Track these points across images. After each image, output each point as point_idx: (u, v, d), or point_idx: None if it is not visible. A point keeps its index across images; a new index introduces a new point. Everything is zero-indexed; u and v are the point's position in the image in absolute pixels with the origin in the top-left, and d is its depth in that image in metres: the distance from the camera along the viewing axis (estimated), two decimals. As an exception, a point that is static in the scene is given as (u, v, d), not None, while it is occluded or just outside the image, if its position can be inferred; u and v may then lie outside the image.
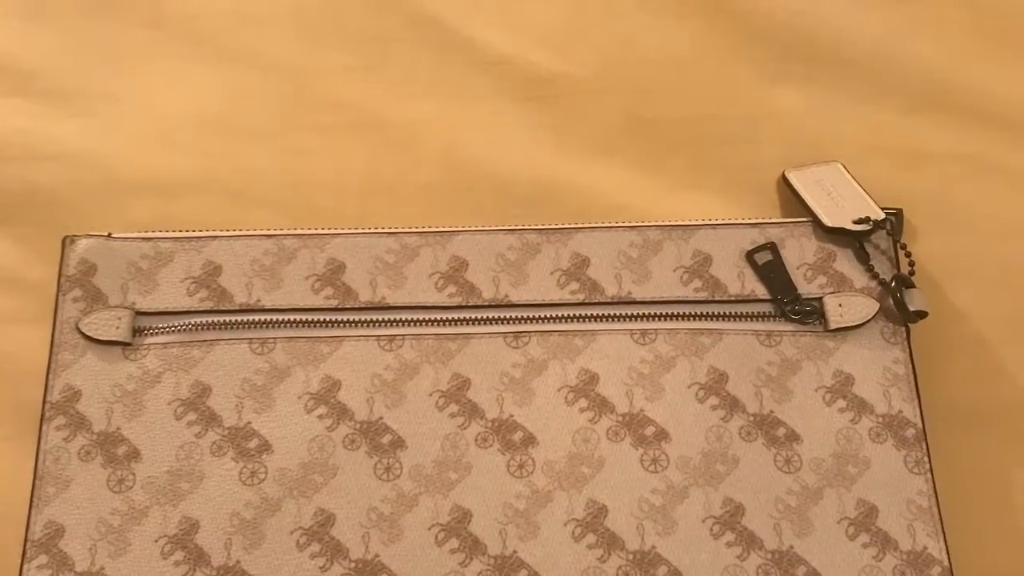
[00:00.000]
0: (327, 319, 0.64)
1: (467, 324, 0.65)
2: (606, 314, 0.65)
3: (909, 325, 0.65)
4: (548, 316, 0.65)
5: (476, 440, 0.62)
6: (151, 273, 0.65)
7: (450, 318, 0.65)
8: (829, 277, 0.66)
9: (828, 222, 0.67)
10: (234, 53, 0.75)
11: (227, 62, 0.74)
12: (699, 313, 0.65)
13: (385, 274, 0.65)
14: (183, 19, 0.75)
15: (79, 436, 0.62)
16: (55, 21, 0.75)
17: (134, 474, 0.61)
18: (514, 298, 0.65)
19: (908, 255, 0.66)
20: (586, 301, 0.65)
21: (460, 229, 0.67)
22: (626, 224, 0.67)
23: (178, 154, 0.72)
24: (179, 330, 0.64)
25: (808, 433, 0.63)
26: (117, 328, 0.63)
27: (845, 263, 0.67)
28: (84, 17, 0.75)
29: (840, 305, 0.65)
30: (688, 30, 0.75)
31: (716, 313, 0.66)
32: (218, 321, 0.64)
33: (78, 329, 0.64)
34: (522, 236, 0.67)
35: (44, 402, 0.62)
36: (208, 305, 0.65)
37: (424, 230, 0.67)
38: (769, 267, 0.66)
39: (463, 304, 0.65)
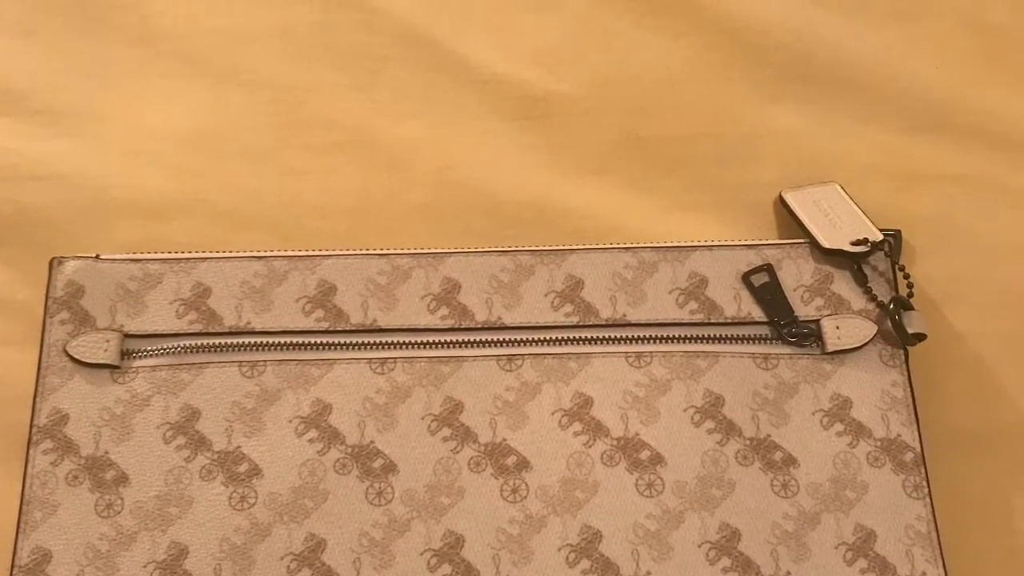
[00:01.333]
0: (318, 342, 0.65)
1: (460, 347, 0.65)
2: (601, 337, 0.66)
3: (908, 348, 0.66)
4: (542, 339, 0.66)
5: (469, 464, 0.62)
6: (140, 295, 0.65)
7: (442, 340, 0.65)
8: (826, 299, 0.67)
9: (826, 243, 0.67)
10: (224, 72, 0.75)
11: (217, 81, 0.75)
12: (695, 336, 0.66)
13: (377, 296, 0.66)
14: (173, 37, 0.76)
15: (67, 460, 0.62)
16: (44, 39, 0.76)
17: (122, 499, 0.61)
18: (507, 320, 0.66)
19: (907, 277, 0.67)
20: (580, 324, 0.66)
21: (453, 251, 0.67)
22: (621, 245, 0.68)
23: (167, 174, 0.72)
24: (168, 353, 0.64)
25: (805, 457, 0.63)
26: (105, 351, 0.64)
27: (843, 285, 0.67)
28: (73, 35, 0.76)
29: (838, 327, 0.66)
30: (683, 48, 0.76)
31: (712, 336, 0.66)
32: (208, 344, 0.64)
33: (66, 352, 0.64)
34: (515, 257, 0.67)
35: (31, 426, 0.63)
36: (197, 327, 0.65)
37: (416, 251, 0.67)
38: (766, 289, 0.67)
39: (456, 327, 0.65)
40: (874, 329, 0.65)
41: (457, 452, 0.62)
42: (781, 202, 0.71)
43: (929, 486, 0.63)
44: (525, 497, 0.62)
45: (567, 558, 0.60)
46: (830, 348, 0.65)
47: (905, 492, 0.62)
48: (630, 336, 0.66)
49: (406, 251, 0.67)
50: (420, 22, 0.76)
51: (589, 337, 0.66)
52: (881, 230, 0.68)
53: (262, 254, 0.67)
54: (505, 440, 0.63)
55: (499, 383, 0.64)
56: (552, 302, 0.66)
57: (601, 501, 0.62)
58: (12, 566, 0.60)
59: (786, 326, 0.66)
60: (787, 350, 0.65)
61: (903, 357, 0.65)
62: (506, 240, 0.70)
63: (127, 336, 0.65)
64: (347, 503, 0.62)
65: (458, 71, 0.75)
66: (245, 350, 0.65)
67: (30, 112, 0.74)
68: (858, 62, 0.76)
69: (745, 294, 0.67)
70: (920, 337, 0.65)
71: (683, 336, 0.66)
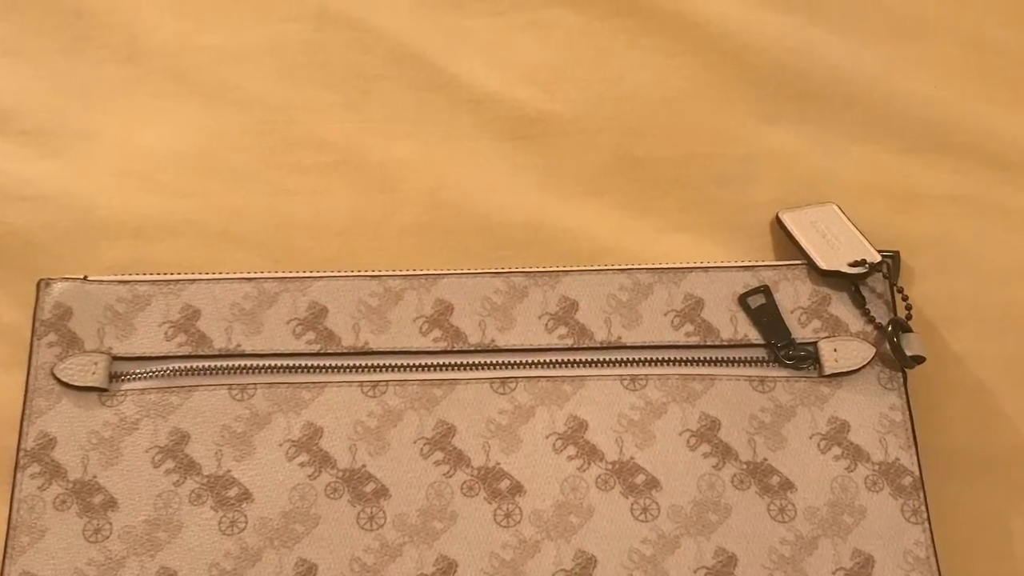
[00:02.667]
0: (309, 364, 0.65)
1: (452, 369, 0.65)
2: (595, 359, 0.66)
3: (906, 370, 0.66)
4: (536, 361, 0.66)
5: (462, 488, 0.63)
6: (128, 317, 0.66)
7: (435, 363, 0.65)
8: (824, 321, 0.67)
9: (823, 265, 0.68)
10: (214, 90, 0.75)
11: (207, 100, 0.75)
12: (691, 358, 0.66)
13: (368, 318, 0.66)
14: (161, 56, 0.76)
15: (54, 484, 0.62)
16: (31, 59, 0.76)
17: (111, 523, 0.62)
18: (501, 343, 0.66)
19: (905, 299, 0.67)
20: (575, 346, 0.66)
21: (445, 272, 0.67)
22: (616, 267, 0.68)
23: (156, 194, 0.73)
24: (157, 376, 0.65)
25: (802, 481, 0.63)
26: (93, 374, 0.64)
27: (840, 307, 0.68)
28: (61, 55, 0.76)
29: (835, 350, 0.66)
30: (679, 68, 0.76)
31: (708, 358, 0.66)
32: (197, 367, 0.65)
33: (53, 375, 0.64)
34: (509, 279, 0.68)
35: (18, 449, 0.63)
36: (187, 350, 0.65)
37: (408, 273, 0.67)
38: (762, 311, 0.67)
39: (448, 349, 0.66)
40: (872, 351, 0.66)
41: (450, 476, 0.63)
42: (778, 223, 0.72)
43: (928, 511, 0.63)
44: (519, 522, 0.62)
45: None
46: (827, 371, 0.65)
47: (904, 517, 0.63)
48: (625, 359, 0.66)
49: (398, 272, 0.67)
50: (412, 41, 0.76)
51: (583, 360, 0.66)
52: (879, 251, 0.69)
53: (252, 276, 0.67)
54: (498, 464, 0.63)
55: (492, 406, 0.65)
56: (546, 324, 0.66)
57: (595, 526, 0.62)
58: (-1, 591, 0.60)
59: (783, 348, 0.66)
60: (784, 373, 0.66)
61: (901, 380, 0.66)
62: (500, 262, 0.71)
63: (115, 359, 0.65)
64: (338, 528, 0.62)
65: (451, 90, 0.75)
66: (235, 373, 0.65)
67: (17, 132, 0.74)
68: (856, 81, 0.76)
69: (742, 316, 0.67)
70: (919, 360, 0.65)
71: (679, 359, 0.66)
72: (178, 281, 0.67)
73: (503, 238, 0.72)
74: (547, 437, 0.64)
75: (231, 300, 0.66)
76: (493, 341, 0.66)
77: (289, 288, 0.67)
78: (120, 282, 0.66)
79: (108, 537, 0.61)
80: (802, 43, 0.77)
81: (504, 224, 0.72)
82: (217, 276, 0.67)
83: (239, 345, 0.65)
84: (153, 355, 0.65)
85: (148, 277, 0.67)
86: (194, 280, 0.67)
